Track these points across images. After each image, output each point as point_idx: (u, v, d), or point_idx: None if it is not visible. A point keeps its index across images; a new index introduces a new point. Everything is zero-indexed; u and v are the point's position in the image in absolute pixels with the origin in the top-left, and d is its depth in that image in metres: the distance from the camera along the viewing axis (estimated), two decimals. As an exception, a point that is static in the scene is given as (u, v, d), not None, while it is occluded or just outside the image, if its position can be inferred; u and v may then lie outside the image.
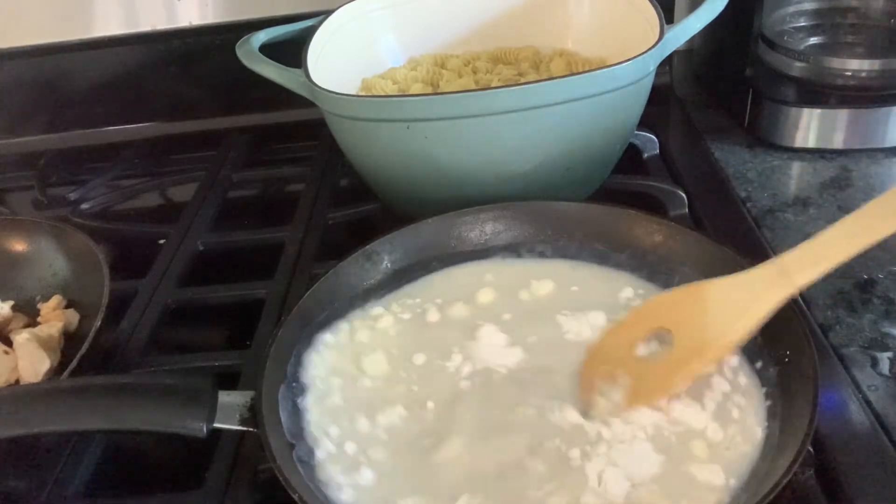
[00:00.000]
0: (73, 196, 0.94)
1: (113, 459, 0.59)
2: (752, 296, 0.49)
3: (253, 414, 0.49)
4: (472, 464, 0.49)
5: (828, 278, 0.67)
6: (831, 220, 0.73)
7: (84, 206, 0.93)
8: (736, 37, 0.88)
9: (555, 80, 0.67)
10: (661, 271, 0.62)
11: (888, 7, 0.92)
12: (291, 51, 0.76)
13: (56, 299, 0.70)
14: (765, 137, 0.87)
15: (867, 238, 0.46)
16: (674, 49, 0.72)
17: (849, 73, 0.84)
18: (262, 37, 0.81)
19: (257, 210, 0.93)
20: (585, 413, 0.51)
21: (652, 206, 0.76)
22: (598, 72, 0.66)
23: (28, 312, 0.71)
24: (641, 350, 0.54)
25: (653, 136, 0.87)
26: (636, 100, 0.71)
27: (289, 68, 0.75)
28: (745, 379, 0.53)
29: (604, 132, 0.70)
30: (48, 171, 1.01)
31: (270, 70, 0.76)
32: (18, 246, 0.74)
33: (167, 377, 0.57)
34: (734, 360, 0.54)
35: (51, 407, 0.49)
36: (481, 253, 0.66)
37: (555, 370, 0.55)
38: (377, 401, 0.55)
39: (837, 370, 0.59)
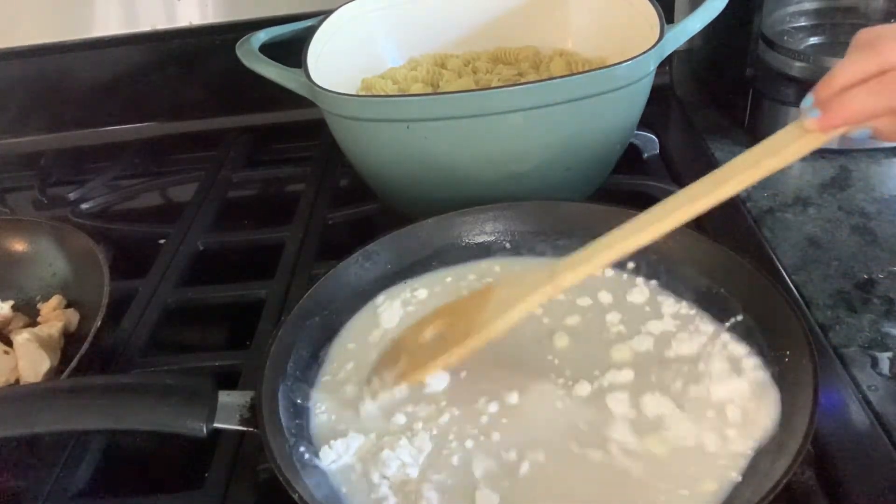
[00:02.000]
0: (73, 196, 0.94)
1: (113, 459, 0.59)
2: (521, 294, 0.51)
3: (253, 414, 0.50)
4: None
5: (828, 278, 0.68)
6: (831, 219, 0.75)
7: (84, 206, 0.93)
8: (736, 37, 0.88)
9: (555, 80, 0.67)
10: (661, 271, 0.62)
11: (888, 7, 0.92)
12: (291, 51, 0.76)
13: (56, 299, 0.70)
14: (765, 137, 0.86)
15: (624, 248, 0.50)
16: (674, 49, 0.72)
17: (849, 73, 0.84)
18: (262, 37, 0.81)
19: (257, 210, 0.93)
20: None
21: (652, 206, 0.76)
22: (598, 72, 0.66)
23: (28, 312, 0.72)
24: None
25: (653, 136, 0.87)
26: (636, 100, 0.71)
27: (289, 68, 0.75)
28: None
29: (604, 132, 0.70)
30: (48, 171, 1.01)
31: (270, 70, 0.76)
32: (18, 246, 0.74)
33: (167, 377, 0.57)
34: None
35: (51, 407, 0.49)
36: (481, 252, 0.66)
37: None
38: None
39: (837, 370, 0.58)
